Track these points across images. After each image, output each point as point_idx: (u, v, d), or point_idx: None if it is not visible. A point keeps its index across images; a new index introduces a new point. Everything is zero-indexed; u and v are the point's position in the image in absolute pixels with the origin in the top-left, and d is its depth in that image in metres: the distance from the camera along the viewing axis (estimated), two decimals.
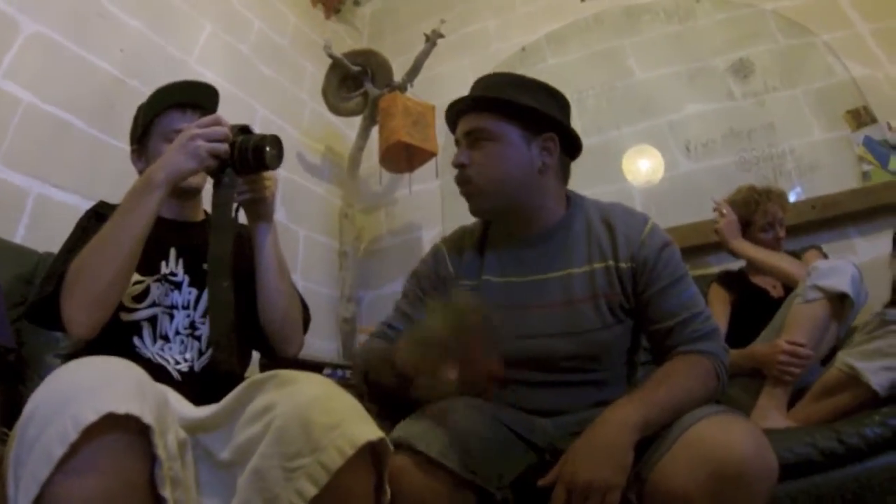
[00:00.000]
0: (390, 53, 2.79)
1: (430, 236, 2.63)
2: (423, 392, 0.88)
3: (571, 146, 1.12)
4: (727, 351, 0.99)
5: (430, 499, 0.81)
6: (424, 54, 2.64)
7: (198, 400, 0.90)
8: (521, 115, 1.06)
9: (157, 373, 0.96)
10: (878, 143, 2.10)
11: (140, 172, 1.16)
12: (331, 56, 2.67)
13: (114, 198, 1.06)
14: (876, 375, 1.25)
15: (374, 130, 2.66)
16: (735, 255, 1.81)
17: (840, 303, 1.39)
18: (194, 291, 1.08)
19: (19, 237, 1.52)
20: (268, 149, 0.99)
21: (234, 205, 1.04)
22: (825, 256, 1.80)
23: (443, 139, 2.53)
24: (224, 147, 0.97)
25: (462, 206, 1.13)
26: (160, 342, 1.02)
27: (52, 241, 1.13)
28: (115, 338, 0.99)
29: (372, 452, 0.73)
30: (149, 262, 1.04)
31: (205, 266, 1.05)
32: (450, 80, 2.89)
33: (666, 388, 0.89)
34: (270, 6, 2.81)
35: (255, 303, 1.09)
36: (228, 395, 0.80)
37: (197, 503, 0.74)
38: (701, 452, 0.77)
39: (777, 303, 1.61)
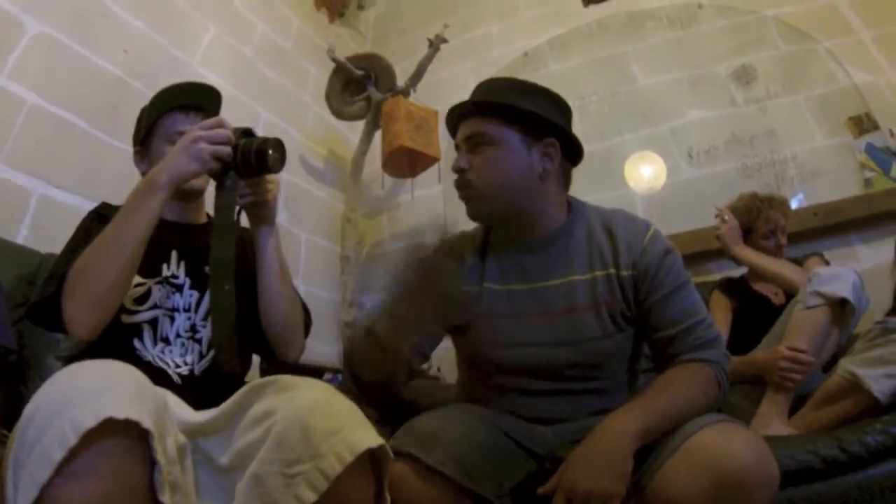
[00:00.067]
0: (394, 58, 2.80)
1: (430, 242, 2.59)
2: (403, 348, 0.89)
3: (573, 152, 1.12)
4: (729, 358, 0.99)
5: None
6: (428, 59, 2.65)
7: (198, 403, 0.89)
8: (521, 119, 1.05)
9: (157, 376, 0.96)
10: (880, 149, 2.09)
11: (143, 174, 1.16)
12: (334, 60, 2.68)
13: (116, 199, 1.06)
14: (878, 383, 1.25)
15: (377, 135, 2.67)
16: (736, 261, 1.81)
17: (841, 309, 1.39)
18: (195, 294, 1.08)
19: (21, 238, 1.52)
20: (270, 152, 0.99)
21: (237, 208, 1.04)
22: (827, 263, 1.80)
23: (445, 144, 2.53)
24: (227, 150, 0.97)
25: (464, 211, 1.12)
26: (161, 345, 1.02)
27: (54, 241, 1.13)
28: (116, 340, 0.98)
29: (372, 459, 0.72)
30: (150, 264, 1.04)
31: (206, 269, 1.05)
32: (453, 84, 2.89)
33: (667, 397, 0.88)
34: (274, 9, 2.82)
35: (257, 306, 1.09)
36: (228, 399, 0.79)
37: None
38: (702, 461, 0.77)
39: (778, 310, 1.60)
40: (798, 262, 1.79)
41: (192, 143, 0.95)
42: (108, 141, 1.80)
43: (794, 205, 2.09)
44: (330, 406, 0.73)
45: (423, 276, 0.85)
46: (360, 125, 2.77)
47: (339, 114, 2.77)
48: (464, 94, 1.16)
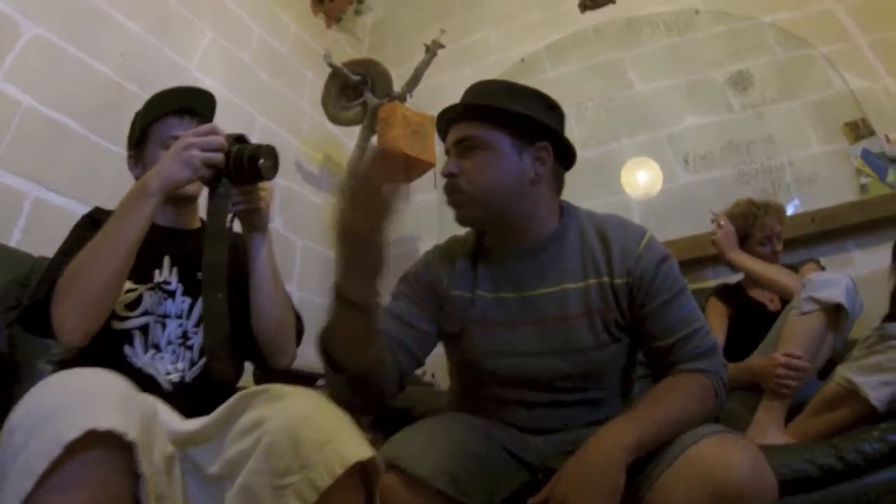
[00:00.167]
0: (391, 63, 2.80)
1: (427, 247, 2.59)
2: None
3: (566, 155, 1.09)
4: (726, 367, 0.97)
5: None
6: (424, 64, 2.65)
7: (188, 411, 0.88)
8: (513, 123, 1.03)
9: (147, 383, 0.96)
10: (876, 155, 2.10)
11: (136, 178, 1.15)
12: (331, 65, 2.68)
13: (111, 203, 1.05)
14: (875, 390, 1.24)
15: (374, 140, 2.66)
16: (732, 267, 1.80)
17: (835, 314, 1.39)
18: (188, 300, 1.07)
19: (15, 241, 1.51)
20: (263, 159, 0.98)
21: (230, 214, 1.04)
22: (823, 269, 1.80)
23: (441, 150, 2.52)
24: (219, 157, 0.96)
25: None
26: (151, 351, 1.01)
27: (48, 245, 1.12)
28: (106, 346, 0.97)
29: (362, 471, 0.71)
30: (142, 270, 1.03)
31: (199, 275, 1.04)
32: (449, 90, 2.86)
33: (662, 408, 0.87)
34: (271, 14, 2.82)
35: (249, 313, 1.08)
36: (218, 408, 0.78)
37: None
38: (699, 472, 0.76)
39: (774, 316, 1.60)
40: (794, 268, 1.79)
41: (183, 149, 0.95)
42: (104, 144, 1.80)
43: (790, 210, 2.09)
44: (321, 416, 0.72)
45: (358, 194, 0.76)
46: (357, 130, 2.76)
47: (335, 119, 2.77)
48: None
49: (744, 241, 1.82)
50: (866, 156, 2.11)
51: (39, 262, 1.34)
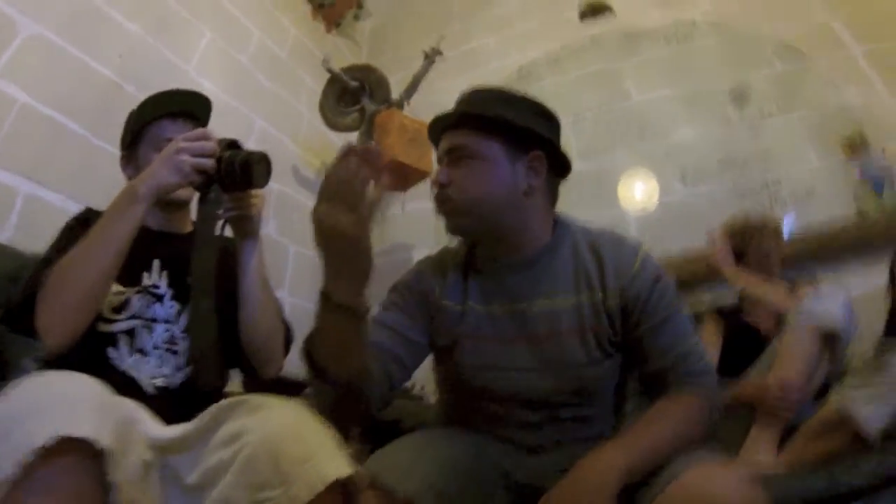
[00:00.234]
0: (389, 69, 2.79)
1: (422, 256, 2.58)
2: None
3: (561, 166, 1.06)
4: (720, 389, 0.96)
5: None
6: (423, 71, 2.65)
7: (171, 417, 0.87)
8: (506, 132, 1.00)
9: (130, 387, 0.95)
10: (873, 170, 2.09)
11: (129, 179, 1.15)
12: (329, 70, 2.68)
13: (105, 203, 1.04)
14: (871, 417, 1.23)
15: None
16: (729, 283, 1.79)
17: (831, 335, 1.37)
18: (176, 305, 1.06)
19: (6, 237, 1.50)
20: (255, 166, 0.96)
21: (220, 221, 1.03)
22: (818, 286, 1.78)
23: None
24: (210, 162, 0.95)
25: None
26: (136, 355, 1.00)
27: (39, 242, 1.11)
28: (91, 348, 0.96)
29: (343, 489, 0.70)
30: (131, 273, 1.02)
31: (189, 279, 1.03)
32: (447, 98, 2.84)
33: (655, 432, 0.85)
34: (271, 17, 2.82)
35: (237, 320, 1.06)
36: (199, 416, 0.77)
37: None
38: (691, 501, 0.74)
39: (769, 336, 1.58)
40: (791, 285, 1.77)
41: (174, 154, 0.94)
42: (100, 144, 1.78)
43: (786, 225, 2.08)
44: (302, 430, 0.71)
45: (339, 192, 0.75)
46: (354, 137, 2.75)
47: (332, 125, 2.76)
48: None
49: (740, 258, 1.80)
50: (864, 170, 2.10)
51: (30, 260, 1.32)
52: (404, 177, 2.55)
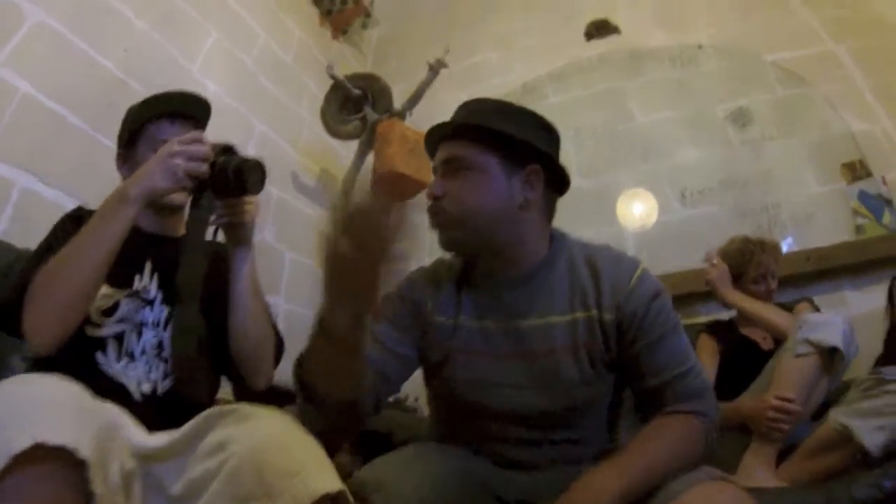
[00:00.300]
0: (393, 79, 2.79)
1: (416, 268, 2.57)
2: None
3: (559, 181, 1.04)
4: (718, 409, 0.94)
5: None
6: (426, 82, 2.65)
7: (157, 424, 0.85)
8: (503, 144, 0.97)
9: (118, 392, 0.92)
10: (872, 196, 2.11)
11: (124, 178, 1.12)
12: (333, 77, 2.67)
13: (101, 201, 1.02)
14: (870, 435, 1.22)
15: (371, 157, 2.64)
16: (726, 305, 1.78)
17: (830, 357, 1.36)
18: (166, 310, 1.04)
19: None
20: (248, 173, 0.95)
21: (213, 227, 1.01)
22: (817, 309, 1.78)
23: None
24: (203, 167, 0.93)
25: None
26: (125, 360, 0.98)
27: (33, 237, 1.09)
28: (78, 352, 0.94)
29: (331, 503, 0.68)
30: (121, 275, 1.01)
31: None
32: (449, 110, 2.85)
33: (650, 453, 0.83)
34: (278, 20, 2.82)
35: (226, 328, 1.04)
36: (185, 425, 0.75)
37: None
38: None
39: (766, 355, 1.58)
40: (788, 307, 1.77)
41: (167, 157, 0.92)
42: (101, 140, 1.76)
43: (785, 249, 2.08)
44: (289, 442, 0.69)
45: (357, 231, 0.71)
46: (355, 145, 2.75)
47: (334, 132, 2.75)
48: None
49: (738, 279, 1.79)
50: (863, 196, 2.11)
51: (23, 254, 1.30)
52: (403, 188, 2.53)
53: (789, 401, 1.35)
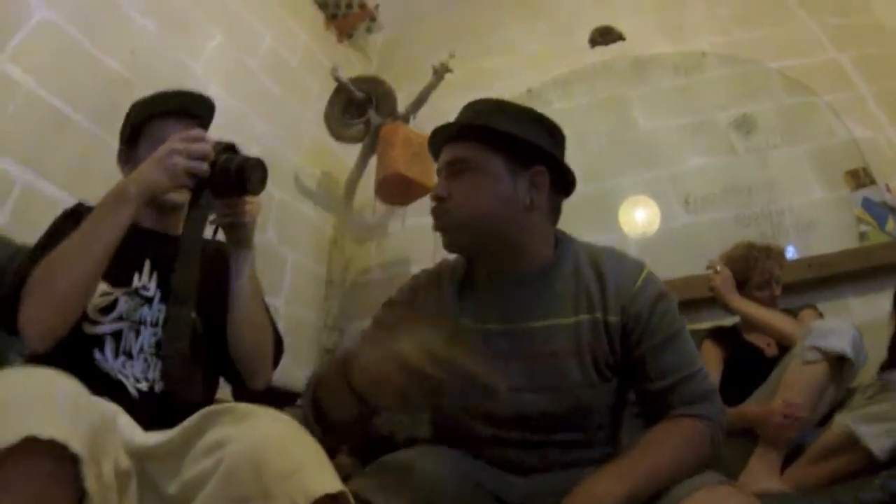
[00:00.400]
0: (397, 83, 2.79)
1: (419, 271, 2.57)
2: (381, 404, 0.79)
3: (564, 182, 1.03)
4: (725, 413, 0.92)
5: None
6: (431, 87, 2.65)
7: (154, 423, 0.84)
8: (508, 145, 0.96)
9: (116, 390, 0.92)
10: (876, 204, 2.11)
11: (124, 175, 1.12)
12: (337, 79, 2.67)
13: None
14: (876, 440, 1.22)
15: (373, 161, 2.64)
16: (731, 311, 1.77)
17: (839, 365, 1.35)
18: (164, 308, 1.03)
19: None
20: (250, 172, 0.93)
21: (214, 227, 1.00)
22: (821, 316, 1.77)
23: None
24: (203, 166, 0.92)
25: None
26: (122, 358, 0.97)
27: (33, 232, 1.08)
28: (76, 349, 0.93)
29: None
30: (120, 273, 1.00)
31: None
32: (453, 115, 2.86)
33: (655, 457, 0.81)
34: (283, 24, 2.82)
35: (225, 328, 1.03)
36: (181, 424, 0.74)
37: None
38: None
39: (771, 361, 1.57)
40: (792, 313, 1.76)
41: (167, 155, 0.91)
42: (103, 138, 1.75)
43: (788, 256, 2.07)
44: (287, 442, 0.67)
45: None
46: (358, 148, 2.75)
47: (337, 135, 2.75)
48: None
49: (742, 285, 1.78)
50: (867, 204, 2.11)
51: (21, 250, 1.29)
52: (406, 191, 2.53)
53: (797, 407, 1.34)
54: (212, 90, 2.22)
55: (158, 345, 1.00)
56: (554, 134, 1.03)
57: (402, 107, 2.67)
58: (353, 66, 3.24)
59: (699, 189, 2.41)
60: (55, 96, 1.67)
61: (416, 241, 2.70)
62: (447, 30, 3.35)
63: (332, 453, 0.74)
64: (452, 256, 1.10)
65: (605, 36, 2.94)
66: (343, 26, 3.24)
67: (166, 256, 1.05)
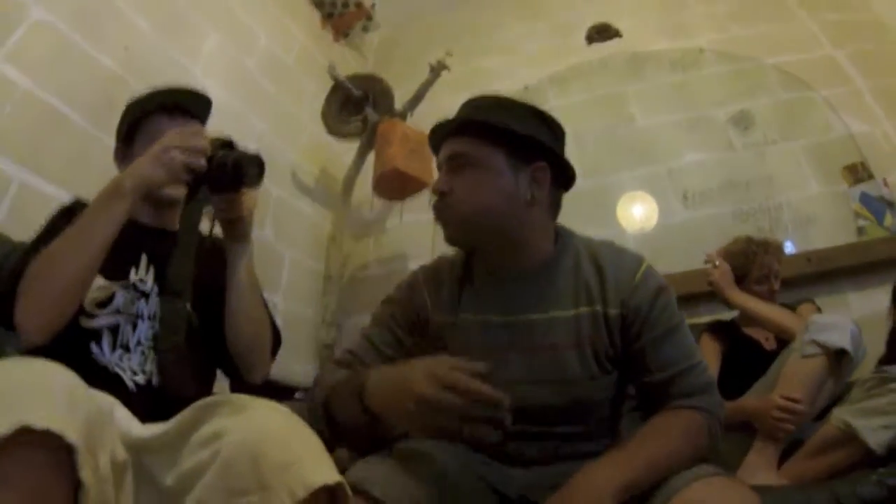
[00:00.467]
0: (395, 82, 2.78)
1: (417, 268, 2.57)
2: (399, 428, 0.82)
3: (564, 177, 1.03)
4: (723, 405, 0.92)
5: None
6: (427, 84, 2.64)
7: (152, 415, 0.83)
8: (509, 140, 0.97)
9: (113, 383, 0.91)
10: (874, 198, 2.11)
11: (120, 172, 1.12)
12: (334, 77, 2.67)
13: None
14: (875, 434, 1.22)
15: (371, 156, 2.64)
16: (730, 305, 1.77)
17: (838, 359, 1.35)
18: (161, 302, 1.02)
19: None
20: (247, 167, 0.93)
21: (211, 221, 1.00)
22: (819, 310, 1.77)
23: None
24: (200, 161, 0.91)
25: None
26: (119, 351, 0.96)
27: (30, 231, 1.08)
28: (72, 343, 0.93)
29: (329, 497, 0.66)
30: (117, 267, 0.99)
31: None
32: (451, 113, 2.86)
33: (653, 447, 0.81)
34: (279, 23, 2.82)
35: (223, 322, 1.03)
36: (178, 416, 0.74)
37: None
38: None
39: (769, 355, 1.56)
40: (790, 308, 1.76)
41: (163, 150, 0.90)
42: (99, 137, 1.75)
43: (786, 251, 2.07)
44: (285, 433, 0.67)
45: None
46: (355, 145, 2.74)
47: (334, 132, 2.75)
48: None
49: (740, 279, 1.78)
50: (865, 199, 2.11)
51: (17, 248, 1.29)
52: (404, 186, 2.53)
53: (795, 401, 1.34)
54: (208, 89, 2.21)
55: (156, 338, 0.99)
56: (554, 129, 1.03)
57: (399, 104, 2.67)
58: (350, 65, 3.23)
59: (697, 184, 2.42)
60: (52, 95, 1.66)
61: (413, 236, 2.70)
62: (444, 28, 3.35)
63: (330, 446, 0.74)
64: (451, 252, 1.11)
65: (601, 33, 2.94)
66: (339, 25, 3.23)
67: (163, 251, 1.05)
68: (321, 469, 0.65)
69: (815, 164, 2.27)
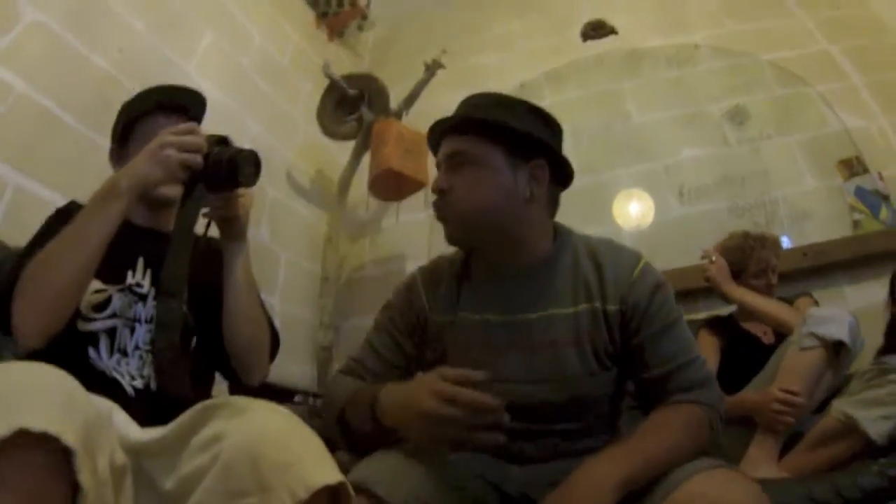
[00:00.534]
0: (390, 81, 2.78)
1: (414, 268, 2.56)
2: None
3: (563, 175, 1.03)
4: (723, 399, 0.93)
5: None
6: (423, 83, 2.64)
7: (150, 420, 0.82)
8: (508, 138, 0.97)
9: (111, 387, 0.90)
10: (869, 192, 2.12)
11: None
12: (329, 76, 2.66)
13: None
14: (874, 425, 1.22)
15: (367, 157, 2.63)
16: (728, 300, 1.77)
17: (836, 352, 1.36)
18: None
19: None
20: (242, 165, 0.92)
21: (206, 221, 0.99)
22: (816, 304, 1.77)
23: (434, 170, 2.50)
24: (196, 159, 0.90)
25: None
26: (117, 356, 0.95)
27: (25, 235, 1.07)
28: (70, 347, 0.92)
29: (331, 497, 0.65)
30: (114, 270, 0.98)
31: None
32: (446, 111, 2.85)
33: (653, 442, 0.81)
34: (274, 22, 2.81)
35: (220, 323, 1.02)
36: (177, 419, 0.73)
37: None
38: None
39: (768, 349, 1.57)
40: (787, 302, 1.76)
41: (159, 148, 0.89)
42: (95, 139, 1.73)
43: (783, 245, 2.08)
44: (285, 434, 0.67)
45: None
46: (350, 146, 2.74)
47: (329, 132, 2.74)
48: None
49: (738, 274, 1.78)
50: (860, 192, 2.12)
51: (14, 253, 1.28)
52: (399, 187, 2.53)
53: (794, 393, 1.34)
54: (203, 89, 2.20)
55: (153, 342, 0.98)
56: (552, 126, 1.04)
57: (394, 103, 2.66)
58: (345, 64, 3.23)
59: (693, 180, 2.42)
60: (46, 97, 1.65)
61: (410, 236, 2.70)
62: (439, 27, 3.35)
63: (331, 447, 0.74)
64: (448, 252, 1.11)
65: (597, 30, 2.94)
66: (334, 24, 3.22)
67: (159, 253, 1.04)
68: (322, 469, 0.65)
69: (810, 159, 2.27)
